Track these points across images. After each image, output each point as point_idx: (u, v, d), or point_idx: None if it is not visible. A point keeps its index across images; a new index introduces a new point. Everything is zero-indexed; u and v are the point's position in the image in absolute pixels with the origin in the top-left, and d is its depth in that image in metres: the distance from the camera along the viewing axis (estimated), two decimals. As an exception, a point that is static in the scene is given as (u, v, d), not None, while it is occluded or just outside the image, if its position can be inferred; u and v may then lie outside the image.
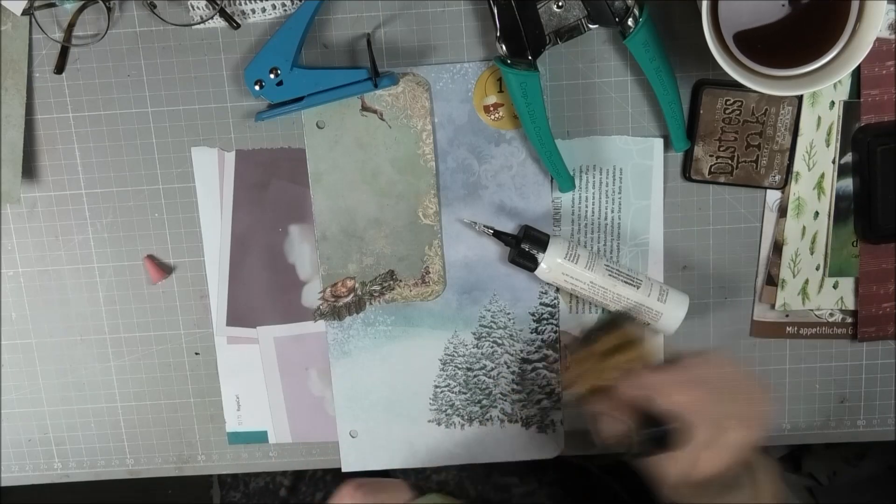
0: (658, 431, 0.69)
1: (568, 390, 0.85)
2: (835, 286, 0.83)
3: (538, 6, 0.75)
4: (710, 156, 0.81)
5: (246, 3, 0.78)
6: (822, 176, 0.81)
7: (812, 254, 0.83)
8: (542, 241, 0.80)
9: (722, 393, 0.71)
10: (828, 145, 0.80)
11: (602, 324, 0.78)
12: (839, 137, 0.80)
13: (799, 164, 0.81)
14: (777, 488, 0.73)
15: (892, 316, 0.84)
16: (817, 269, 0.83)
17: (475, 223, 0.82)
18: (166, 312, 0.85)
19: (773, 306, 0.84)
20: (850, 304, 0.84)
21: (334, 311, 0.85)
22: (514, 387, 0.86)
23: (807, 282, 0.83)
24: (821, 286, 0.83)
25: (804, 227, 0.82)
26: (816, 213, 0.82)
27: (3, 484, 0.89)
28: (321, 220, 0.83)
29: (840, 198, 0.81)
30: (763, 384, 0.85)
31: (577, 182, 0.82)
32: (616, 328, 0.76)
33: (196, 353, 0.86)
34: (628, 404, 0.70)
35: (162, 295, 0.85)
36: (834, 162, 0.81)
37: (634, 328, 0.77)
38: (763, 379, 0.86)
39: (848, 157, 0.81)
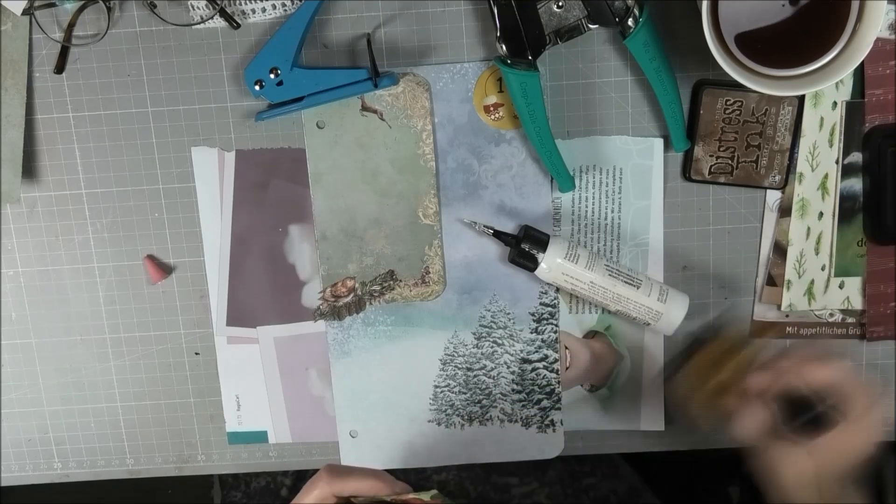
0: (814, 414, 0.66)
1: (683, 402, 0.81)
2: (841, 286, 0.83)
3: (538, 6, 0.75)
4: (710, 156, 0.80)
5: (246, 3, 0.78)
6: (826, 176, 0.81)
7: (817, 254, 0.82)
8: (542, 241, 0.80)
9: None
10: (831, 146, 0.80)
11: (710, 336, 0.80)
12: (842, 138, 0.80)
13: (802, 165, 0.80)
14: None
15: (897, 315, 0.83)
16: (823, 269, 0.82)
17: (475, 223, 0.82)
18: (166, 312, 0.85)
19: (779, 307, 0.83)
20: (856, 304, 0.83)
21: (334, 311, 0.85)
22: (514, 387, 0.86)
23: (812, 282, 0.83)
24: (826, 286, 0.83)
25: (809, 228, 0.82)
26: (821, 214, 0.81)
27: (3, 484, 0.89)
28: (321, 220, 0.83)
29: (844, 198, 0.81)
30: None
31: (577, 182, 0.82)
32: (720, 336, 0.78)
33: (196, 353, 0.86)
34: (765, 395, 0.68)
35: (162, 295, 0.85)
36: (837, 162, 0.80)
37: (737, 334, 0.79)
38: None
39: (851, 158, 0.80)
